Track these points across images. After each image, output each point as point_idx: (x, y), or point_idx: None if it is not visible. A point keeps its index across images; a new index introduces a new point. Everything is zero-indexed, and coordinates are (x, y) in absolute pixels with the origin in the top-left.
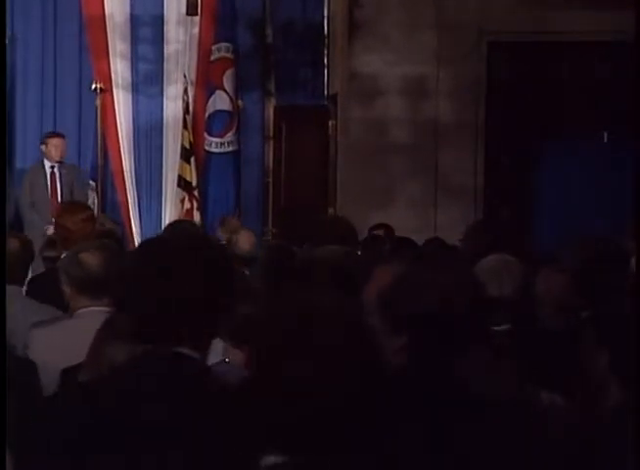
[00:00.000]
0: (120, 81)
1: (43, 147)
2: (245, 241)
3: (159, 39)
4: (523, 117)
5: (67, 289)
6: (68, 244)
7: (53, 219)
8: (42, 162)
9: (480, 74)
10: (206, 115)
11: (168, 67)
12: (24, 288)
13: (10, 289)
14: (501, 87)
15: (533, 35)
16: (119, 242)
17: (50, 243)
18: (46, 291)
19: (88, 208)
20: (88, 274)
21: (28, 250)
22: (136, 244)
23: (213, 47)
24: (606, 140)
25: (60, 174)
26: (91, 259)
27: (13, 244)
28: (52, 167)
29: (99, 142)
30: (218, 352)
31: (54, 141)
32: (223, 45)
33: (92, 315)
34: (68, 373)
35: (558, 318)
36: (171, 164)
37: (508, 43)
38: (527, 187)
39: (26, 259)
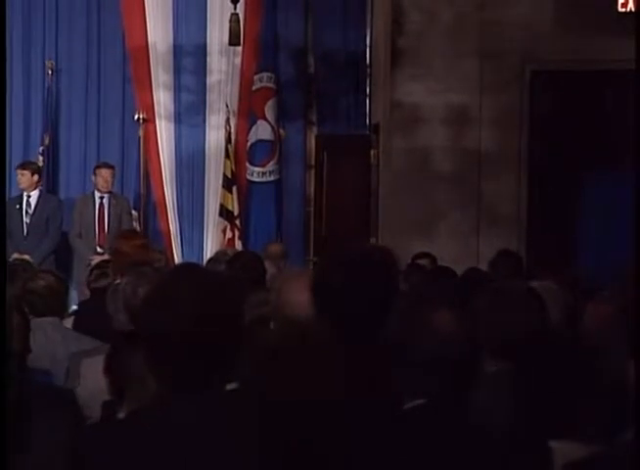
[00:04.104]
0: (163, 111)
1: (93, 178)
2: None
3: (201, 69)
4: (566, 146)
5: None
6: (122, 269)
7: (98, 249)
8: (92, 192)
9: (523, 103)
10: (248, 144)
11: (211, 96)
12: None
13: (49, 320)
14: (544, 116)
15: (577, 64)
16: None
17: (100, 274)
18: (93, 317)
19: (143, 236)
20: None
21: (62, 284)
22: None
23: (255, 77)
24: None
25: (109, 205)
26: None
27: (47, 279)
28: (101, 198)
29: (141, 172)
30: None
31: (103, 172)
32: (265, 75)
33: None
34: (108, 406)
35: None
36: (213, 194)
37: (551, 71)
38: (571, 217)
39: (61, 292)
